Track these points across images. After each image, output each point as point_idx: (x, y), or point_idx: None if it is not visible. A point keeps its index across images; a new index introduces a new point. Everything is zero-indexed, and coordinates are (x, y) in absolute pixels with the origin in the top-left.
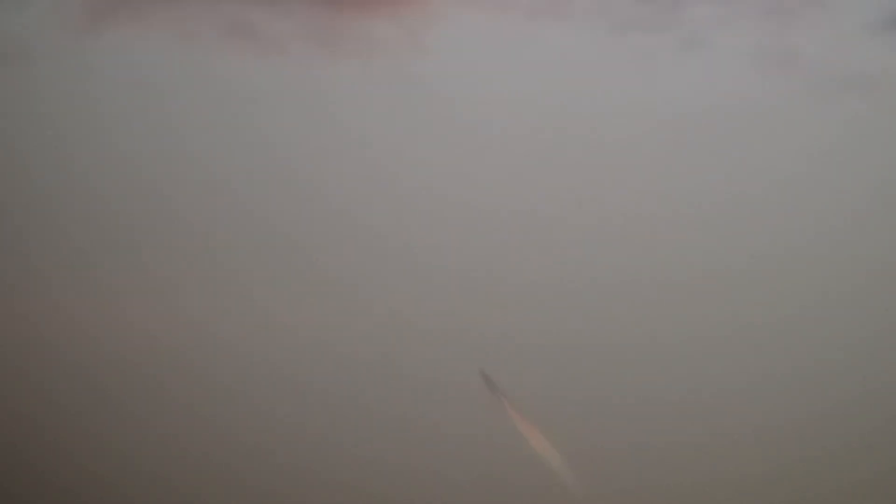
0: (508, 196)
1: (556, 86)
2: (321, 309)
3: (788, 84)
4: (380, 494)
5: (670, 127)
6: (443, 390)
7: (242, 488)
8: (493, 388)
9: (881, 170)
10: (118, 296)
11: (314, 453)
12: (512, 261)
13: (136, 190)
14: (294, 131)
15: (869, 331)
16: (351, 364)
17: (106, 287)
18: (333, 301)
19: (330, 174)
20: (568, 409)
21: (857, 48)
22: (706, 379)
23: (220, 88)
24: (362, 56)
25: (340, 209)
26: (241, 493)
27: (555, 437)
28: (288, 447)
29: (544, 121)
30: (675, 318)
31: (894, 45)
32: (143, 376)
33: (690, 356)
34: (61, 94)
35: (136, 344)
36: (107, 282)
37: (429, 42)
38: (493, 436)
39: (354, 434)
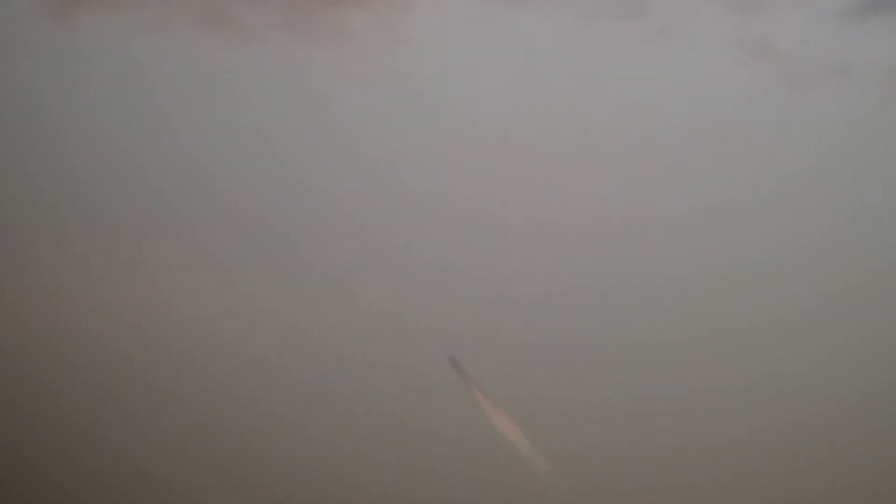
0: (483, 182)
1: (528, 72)
2: (302, 296)
3: (763, 71)
4: (376, 492)
5: (648, 113)
6: (438, 388)
7: (226, 477)
8: (464, 376)
9: (857, 155)
10: (102, 284)
11: (299, 444)
12: (489, 249)
13: (117, 181)
14: (271, 118)
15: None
16: (339, 357)
17: (93, 277)
18: (316, 289)
19: (307, 159)
20: (564, 409)
21: (831, 35)
22: (704, 377)
23: (197, 76)
24: (337, 44)
25: (315, 193)
26: (227, 483)
27: (547, 436)
28: (271, 436)
29: (518, 107)
30: (654, 314)
31: (868, 32)
32: (136, 371)
33: (684, 355)
34: (39, 82)
35: (126, 337)
36: (94, 273)
37: (402, 30)
38: (472, 428)
39: (343, 428)
